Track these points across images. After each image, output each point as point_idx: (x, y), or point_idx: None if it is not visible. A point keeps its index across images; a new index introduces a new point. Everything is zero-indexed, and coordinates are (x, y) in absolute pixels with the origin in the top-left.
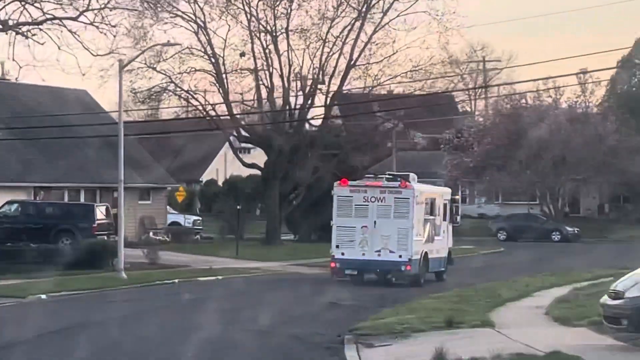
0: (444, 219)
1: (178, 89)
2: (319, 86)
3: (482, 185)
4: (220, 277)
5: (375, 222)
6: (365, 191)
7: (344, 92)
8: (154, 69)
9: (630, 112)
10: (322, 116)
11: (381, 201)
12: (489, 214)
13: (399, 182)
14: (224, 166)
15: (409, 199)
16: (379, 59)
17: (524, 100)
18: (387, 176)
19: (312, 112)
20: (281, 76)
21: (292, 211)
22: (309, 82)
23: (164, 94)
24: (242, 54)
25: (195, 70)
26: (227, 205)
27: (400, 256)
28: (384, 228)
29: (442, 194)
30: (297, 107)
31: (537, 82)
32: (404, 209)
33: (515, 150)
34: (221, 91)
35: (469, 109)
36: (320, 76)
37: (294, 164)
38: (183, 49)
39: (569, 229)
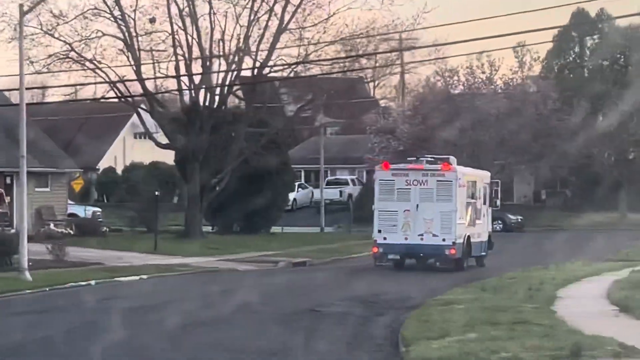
0: (484, 203)
1: (81, 59)
2: (245, 57)
3: None
4: (144, 277)
5: (417, 205)
6: (407, 174)
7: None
8: (52, 35)
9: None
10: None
11: (423, 184)
12: None
13: (441, 165)
14: (123, 152)
15: (451, 181)
16: (314, 22)
17: (456, 78)
18: (428, 158)
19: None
20: (199, 44)
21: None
22: (233, 51)
23: (64, 64)
24: (152, 20)
25: (102, 34)
26: (137, 194)
27: (443, 240)
28: (427, 211)
29: (482, 177)
30: (220, 79)
31: (470, 56)
32: (446, 192)
33: (449, 132)
34: (132, 61)
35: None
36: (246, 45)
37: (217, 144)
38: (86, 11)
39: (512, 217)
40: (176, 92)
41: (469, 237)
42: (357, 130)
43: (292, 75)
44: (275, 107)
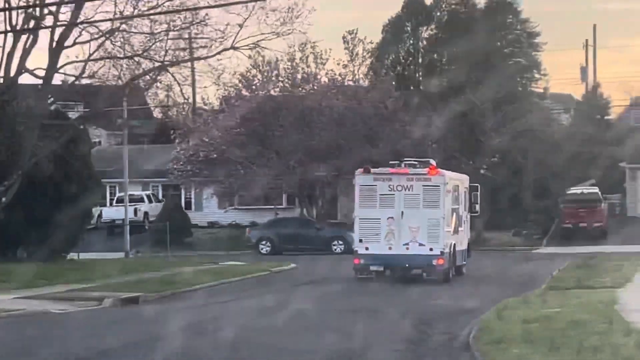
0: (464, 209)
1: None
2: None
3: (223, 185)
4: None
5: (402, 212)
6: (390, 179)
7: None
8: None
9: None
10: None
11: (408, 190)
12: (240, 221)
13: (428, 168)
14: None
15: (439, 186)
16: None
17: (275, 72)
18: (412, 162)
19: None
20: None
21: None
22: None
23: None
24: None
25: None
26: None
27: (431, 249)
28: (412, 219)
29: (463, 181)
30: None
31: (292, 48)
32: (434, 198)
33: (268, 138)
34: None
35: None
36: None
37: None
38: None
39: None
40: None
41: (454, 245)
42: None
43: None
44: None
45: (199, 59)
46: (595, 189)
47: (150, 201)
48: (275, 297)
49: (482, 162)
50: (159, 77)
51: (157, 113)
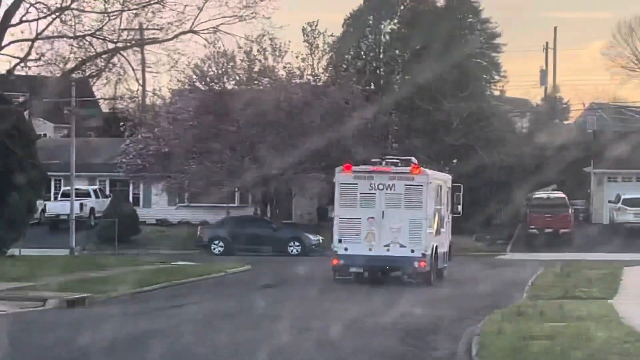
0: (447, 209)
1: None
2: None
3: (174, 180)
4: None
5: (383, 212)
6: (372, 178)
7: None
8: None
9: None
10: None
11: (390, 189)
12: (191, 219)
13: (411, 167)
14: None
15: (422, 186)
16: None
17: (231, 64)
18: (393, 160)
19: None
20: None
21: None
22: None
23: None
24: None
25: None
26: None
27: (412, 251)
28: (394, 219)
29: (446, 180)
30: None
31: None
32: (416, 198)
33: (222, 133)
34: None
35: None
36: None
37: None
38: None
39: (312, 237)
40: None
41: (436, 247)
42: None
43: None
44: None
45: (155, 41)
46: (562, 194)
47: (97, 196)
48: (234, 302)
49: (445, 164)
50: (111, 61)
51: (106, 107)
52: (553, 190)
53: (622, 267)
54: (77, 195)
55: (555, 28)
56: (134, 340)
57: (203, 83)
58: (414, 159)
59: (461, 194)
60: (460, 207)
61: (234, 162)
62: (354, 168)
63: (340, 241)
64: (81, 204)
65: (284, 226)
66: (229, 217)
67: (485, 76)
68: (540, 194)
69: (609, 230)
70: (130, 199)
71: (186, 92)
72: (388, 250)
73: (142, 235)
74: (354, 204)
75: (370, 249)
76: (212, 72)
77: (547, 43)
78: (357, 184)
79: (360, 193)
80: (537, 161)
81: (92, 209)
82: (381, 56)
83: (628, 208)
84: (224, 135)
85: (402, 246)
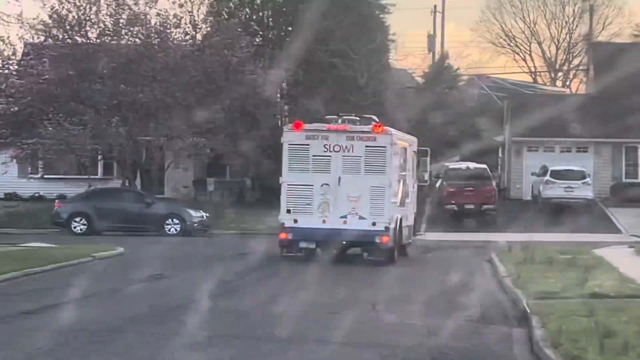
0: (412, 177)
1: None
2: None
3: (26, 147)
4: None
5: (339, 178)
6: (327, 137)
7: None
8: None
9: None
10: None
11: (348, 150)
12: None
13: (372, 126)
14: None
15: (385, 147)
16: None
17: (95, 9)
18: (352, 117)
19: None
20: None
21: None
22: None
23: None
24: None
25: None
26: None
27: (373, 224)
28: (352, 187)
29: (411, 143)
30: None
31: None
32: (378, 162)
33: (84, 91)
34: None
35: None
36: None
37: None
38: None
39: (194, 214)
40: None
41: (400, 220)
42: None
43: None
44: None
45: None
46: (483, 165)
47: None
48: (116, 304)
49: None
50: None
51: None
52: (457, 162)
53: (589, 250)
54: None
55: None
56: None
57: (62, 30)
58: (374, 117)
59: (428, 159)
60: (427, 175)
61: (98, 125)
62: (306, 126)
63: (288, 211)
64: None
65: (160, 200)
66: (94, 189)
67: (370, 37)
68: (456, 165)
69: (534, 207)
70: None
71: (41, 41)
72: (345, 222)
73: None
74: (305, 168)
75: (324, 221)
76: (71, 18)
77: (435, 6)
78: (308, 144)
79: (313, 155)
80: (440, 131)
81: None
82: (270, 4)
83: (557, 181)
84: (86, 93)
85: (361, 218)
